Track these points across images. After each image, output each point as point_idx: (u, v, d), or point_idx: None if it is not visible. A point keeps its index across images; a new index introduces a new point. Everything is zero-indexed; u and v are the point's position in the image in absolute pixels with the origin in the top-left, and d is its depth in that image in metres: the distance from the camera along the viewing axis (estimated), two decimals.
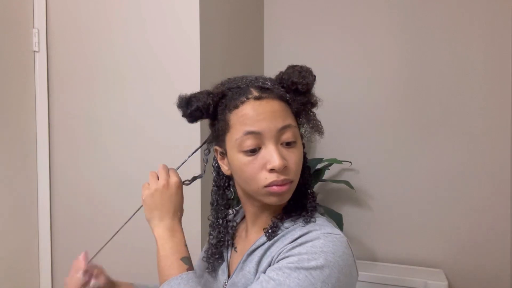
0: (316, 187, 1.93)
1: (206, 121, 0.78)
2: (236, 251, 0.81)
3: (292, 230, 0.72)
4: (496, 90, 1.72)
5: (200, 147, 0.85)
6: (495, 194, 1.72)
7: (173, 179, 0.78)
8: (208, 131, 0.80)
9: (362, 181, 1.89)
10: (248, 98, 0.69)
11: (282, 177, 0.68)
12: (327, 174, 1.81)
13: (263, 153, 0.69)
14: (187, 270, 0.72)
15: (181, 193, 0.80)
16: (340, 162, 1.77)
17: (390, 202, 1.86)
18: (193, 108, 0.72)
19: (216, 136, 0.76)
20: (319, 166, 1.74)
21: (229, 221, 0.85)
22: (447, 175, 1.78)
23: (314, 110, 0.75)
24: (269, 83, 0.72)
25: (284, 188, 0.69)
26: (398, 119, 1.84)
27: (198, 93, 0.74)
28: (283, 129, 0.69)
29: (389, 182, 1.86)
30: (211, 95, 0.72)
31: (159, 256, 0.74)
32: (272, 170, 0.68)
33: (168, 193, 0.77)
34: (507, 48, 1.70)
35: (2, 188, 1.44)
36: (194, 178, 0.85)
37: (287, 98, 0.72)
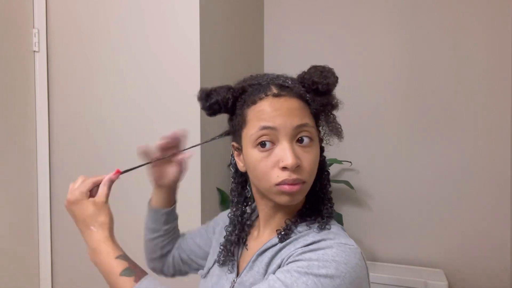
0: None
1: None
2: (247, 249, 0.81)
3: (305, 235, 0.71)
4: (496, 90, 1.72)
5: (211, 140, 0.83)
6: (495, 194, 1.72)
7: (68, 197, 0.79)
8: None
9: (362, 181, 1.89)
10: (267, 95, 0.69)
11: (294, 176, 0.66)
12: None
13: (276, 150, 0.68)
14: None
15: (79, 208, 0.79)
16: (340, 162, 1.78)
17: (390, 202, 1.86)
18: (212, 101, 0.73)
19: (233, 132, 0.75)
20: None
21: (247, 219, 0.84)
22: (447, 175, 1.78)
23: (335, 112, 0.74)
24: (289, 82, 0.71)
25: (295, 188, 0.67)
26: (398, 119, 1.84)
27: (219, 87, 0.74)
28: (299, 127, 0.68)
29: (389, 182, 1.86)
30: (231, 90, 0.73)
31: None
32: (284, 168, 0.66)
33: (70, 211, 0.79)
34: (507, 48, 1.70)
35: (2, 188, 1.44)
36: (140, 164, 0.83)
37: (307, 98, 0.71)
